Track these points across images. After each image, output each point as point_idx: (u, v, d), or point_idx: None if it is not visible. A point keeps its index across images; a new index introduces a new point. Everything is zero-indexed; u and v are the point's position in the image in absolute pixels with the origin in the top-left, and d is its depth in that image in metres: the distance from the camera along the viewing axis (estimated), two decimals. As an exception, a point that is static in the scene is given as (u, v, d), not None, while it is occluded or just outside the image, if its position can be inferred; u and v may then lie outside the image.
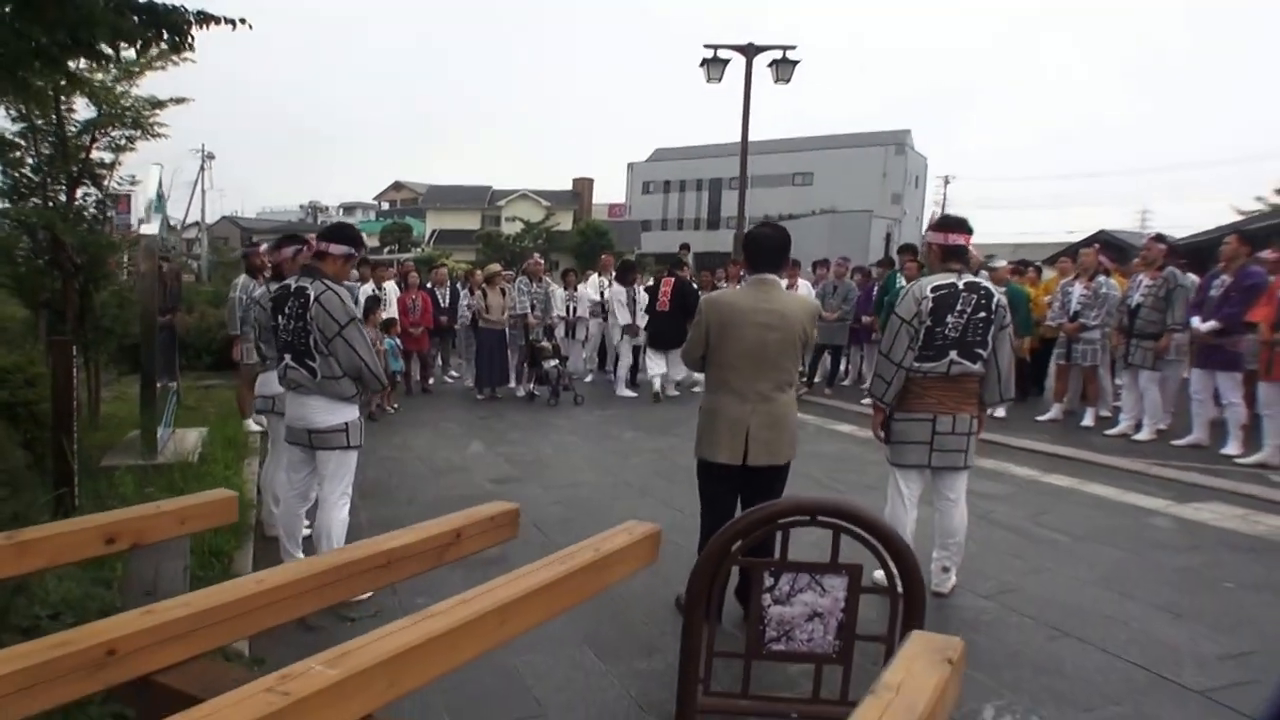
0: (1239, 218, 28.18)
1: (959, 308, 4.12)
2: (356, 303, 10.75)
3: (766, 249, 3.94)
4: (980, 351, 4.16)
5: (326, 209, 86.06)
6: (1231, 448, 7.37)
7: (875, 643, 2.87)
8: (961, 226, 4.33)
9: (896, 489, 4.36)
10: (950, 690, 1.67)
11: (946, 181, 59.04)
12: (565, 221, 50.56)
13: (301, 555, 4.44)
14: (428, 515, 6.16)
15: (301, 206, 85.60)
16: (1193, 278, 8.40)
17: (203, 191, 50.11)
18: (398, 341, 10.85)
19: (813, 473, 7.14)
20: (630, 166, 64.29)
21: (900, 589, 2.73)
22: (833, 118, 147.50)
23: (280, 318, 4.28)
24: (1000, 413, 9.47)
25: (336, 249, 4.24)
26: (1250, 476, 6.70)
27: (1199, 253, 11.28)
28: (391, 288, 11.89)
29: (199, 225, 49.74)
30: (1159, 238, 8.63)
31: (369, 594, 3.77)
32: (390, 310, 11.26)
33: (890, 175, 53.57)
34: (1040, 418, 9.39)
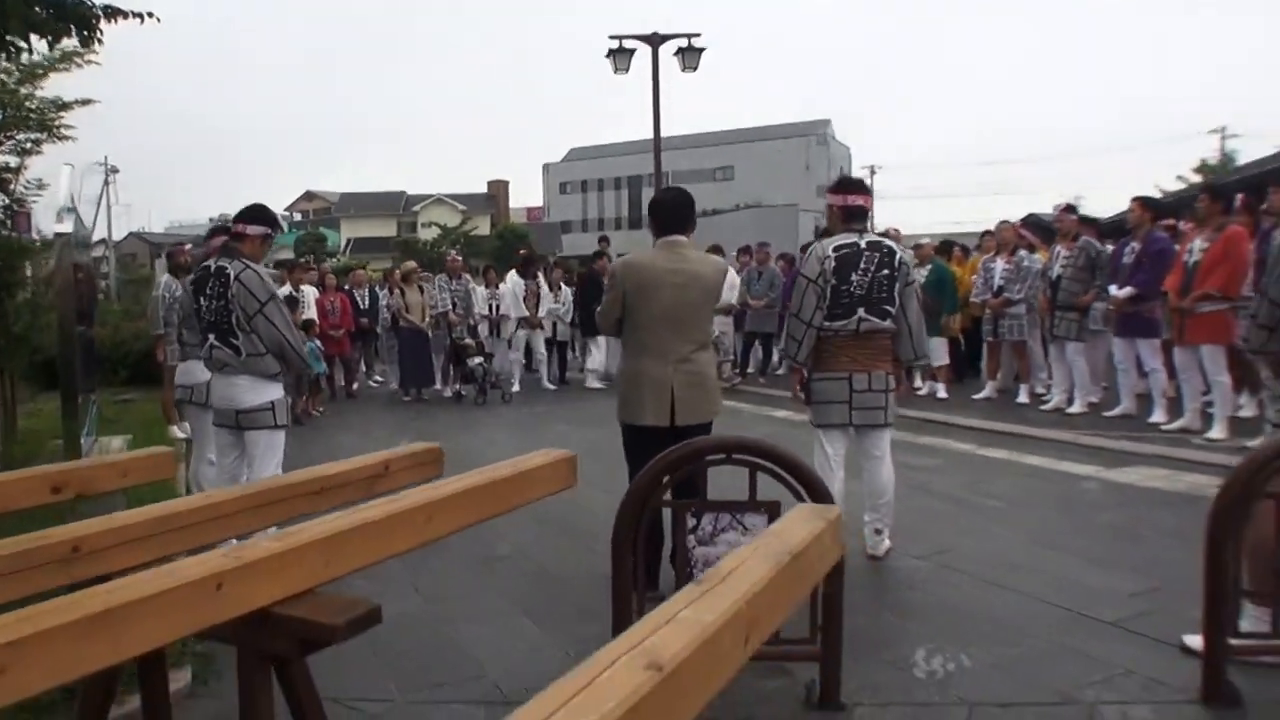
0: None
1: (862, 266, 4.43)
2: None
3: (671, 210, 4.23)
4: (888, 308, 4.47)
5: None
6: (1157, 415, 7.86)
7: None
8: (859, 187, 4.71)
9: (822, 450, 4.61)
10: (826, 540, 2.12)
11: (873, 172, 60.67)
12: (483, 226, 50.70)
13: (235, 541, 4.60)
14: None
15: (211, 219, 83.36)
16: (1110, 247, 8.99)
17: (108, 206, 48.77)
18: (318, 344, 10.99)
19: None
20: (546, 168, 64.49)
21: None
22: (755, 111, 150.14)
23: (202, 299, 4.57)
24: (941, 393, 9.98)
25: (253, 229, 4.54)
26: (1175, 441, 7.22)
27: (1121, 230, 12.00)
28: (310, 290, 12.03)
29: (105, 243, 48.23)
30: (1069, 209, 9.14)
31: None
32: (309, 312, 11.39)
33: (813, 167, 54.76)
34: (977, 396, 9.90)
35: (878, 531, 4.65)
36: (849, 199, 4.63)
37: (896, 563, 4.61)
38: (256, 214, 4.61)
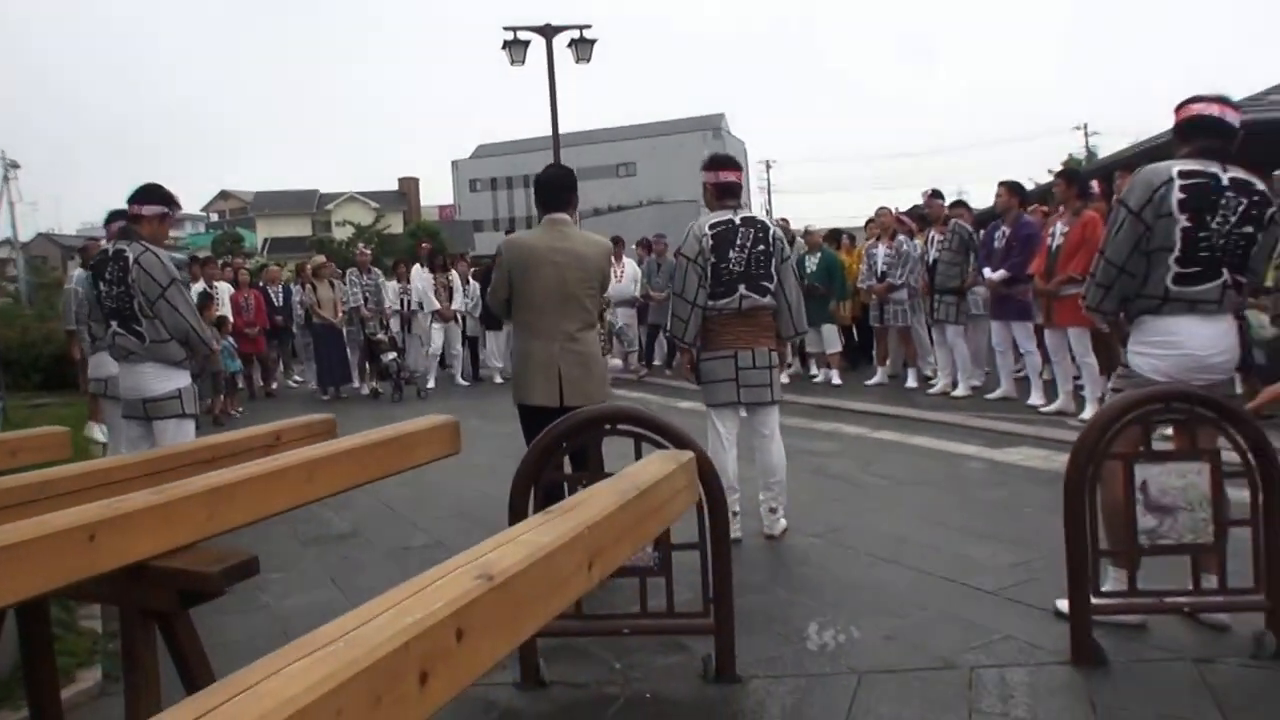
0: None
1: (739, 242, 4.43)
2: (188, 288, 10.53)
3: (552, 189, 4.17)
4: (767, 284, 4.48)
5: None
6: (1035, 397, 8.07)
7: (692, 550, 3.09)
8: (730, 163, 4.72)
9: (714, 429, 4.62)
10: (678, 481, 2.22)
11: (768, 166, 61.63)
12: (396, 224, 50.02)
13: None
14: (269, 525, 6.15)
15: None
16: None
17: (9, 204, 45.54)
18: (233, 341, 10.66)
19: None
20: (455, 164, 63.56)
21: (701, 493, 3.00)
22: (652, 105, 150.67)
23: (102, 284, 4.34)
24: (836, 380, 10.14)
25: (149, 209, 4.30)
26: (1052, 422, 7.47)
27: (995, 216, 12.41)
28: (224, 287, 11.75)
29: (11, 244, 45.08)
30: (935, 194, 9.26)
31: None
32: (223, 309, 11.11)
33: (712, 161, 55.30)
34: (869, 382, 10.08)
35: (772, 510, 4.69)
36: (720, 175, 4.62)
37: (791, 541, 4.67)
38: (151, 193, 4.34)
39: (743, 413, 4.67)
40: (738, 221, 4.48)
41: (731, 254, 4.42)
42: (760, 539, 4.67)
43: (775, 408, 4.66)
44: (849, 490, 5.72)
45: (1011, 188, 8.30)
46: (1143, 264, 3.21)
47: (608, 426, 3.19)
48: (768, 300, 4.51)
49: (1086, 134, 42.43)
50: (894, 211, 10.27)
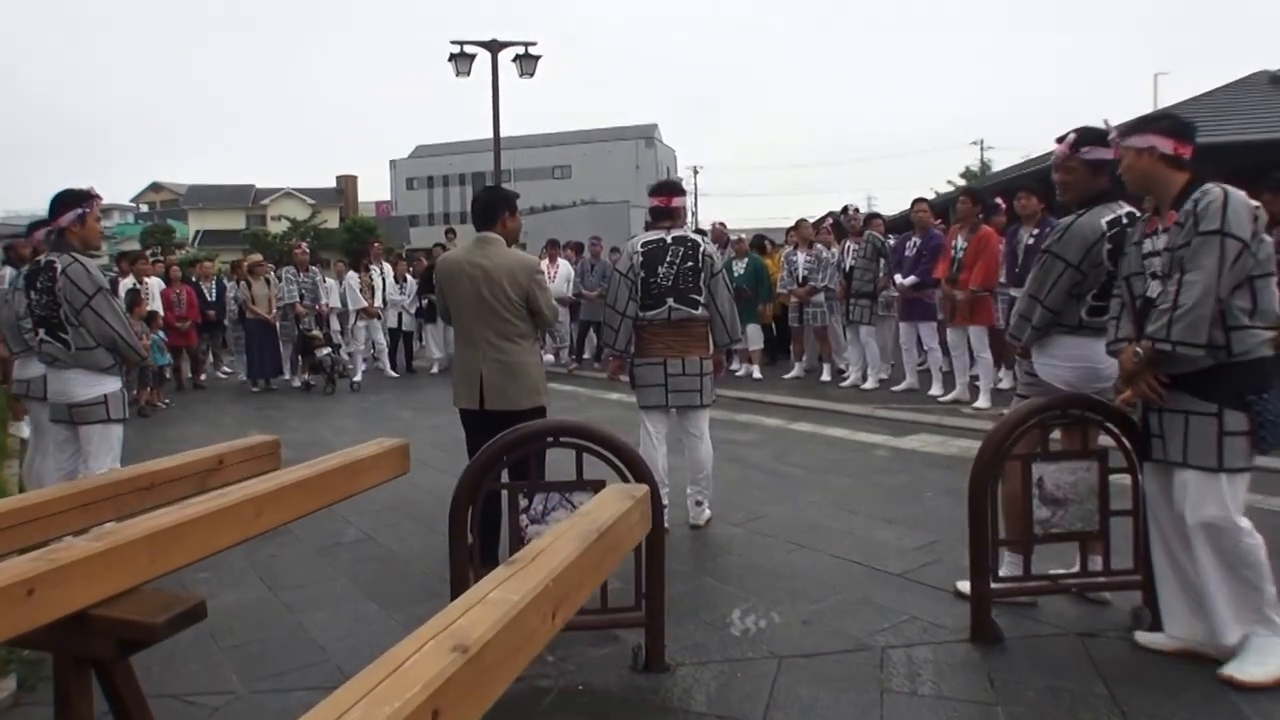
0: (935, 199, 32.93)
1: (668, 259, 4.53)
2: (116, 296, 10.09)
3: (478, 210, 4.21)
4: (696, 298, 4.54)
5: (79, 213, 77.24)
6: (935, 389, 8.42)
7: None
8: (675, 190, 4.84)
9: (645, 429, 4.67)
10: (633, 518, 2.16)
11: (695, 172, 62.10)
12: (332, 219, 48.78)
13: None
14: None
15: (50, 211, 76.20)
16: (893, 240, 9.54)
17: None
18: (163, 335, 10.25)
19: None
20: (393, 164, 62.38)
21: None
22: (588, 114, 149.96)
23: (33, 293, 4.17)
24: (757, 374, 10.26)
25: (65, 218, 4.10)
26: (949, 411, 7.72)
27: (906, 225, 12.77)
28: (155, 282, 11.26)
29: None
30: (852, 209, 9.85)
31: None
32: (153, 304, 10.68)
33: (643, 167, 55.40)
34: (786, 376, 10.24)
35: (698, 503, 4.73)
36: (658, 200, 4.76)
37: (715, 530, 4.69)
38: (61, 201, 4.12)
39: (673, 412, 4.70)
40: (669, 240, 4.58)
41: (660, 269, 4.51)
42: (686, 529, 4.69)
43: (705, 410, 4.70)
44: (767, 479, 5.78)
45: (930, 205, 8.76)
46: (1067, 302, 3.33)
47: (550, 439, 3.16)
48: (698, 312, 4.56)
49: (982, 149, 44.41)
50: (809, 223, 10.51)
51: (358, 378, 11.53)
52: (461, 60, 17.27)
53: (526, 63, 17.40)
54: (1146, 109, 12.15)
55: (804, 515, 4.89)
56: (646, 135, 57.06)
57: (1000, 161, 35.11)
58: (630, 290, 4.52)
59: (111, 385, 4.18)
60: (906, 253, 8.43)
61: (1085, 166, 3.33)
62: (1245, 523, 2.77)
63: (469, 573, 2.98)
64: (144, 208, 71.35)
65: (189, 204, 56.24)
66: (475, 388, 4.00)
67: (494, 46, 17.13)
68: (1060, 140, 3.42)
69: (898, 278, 8.39)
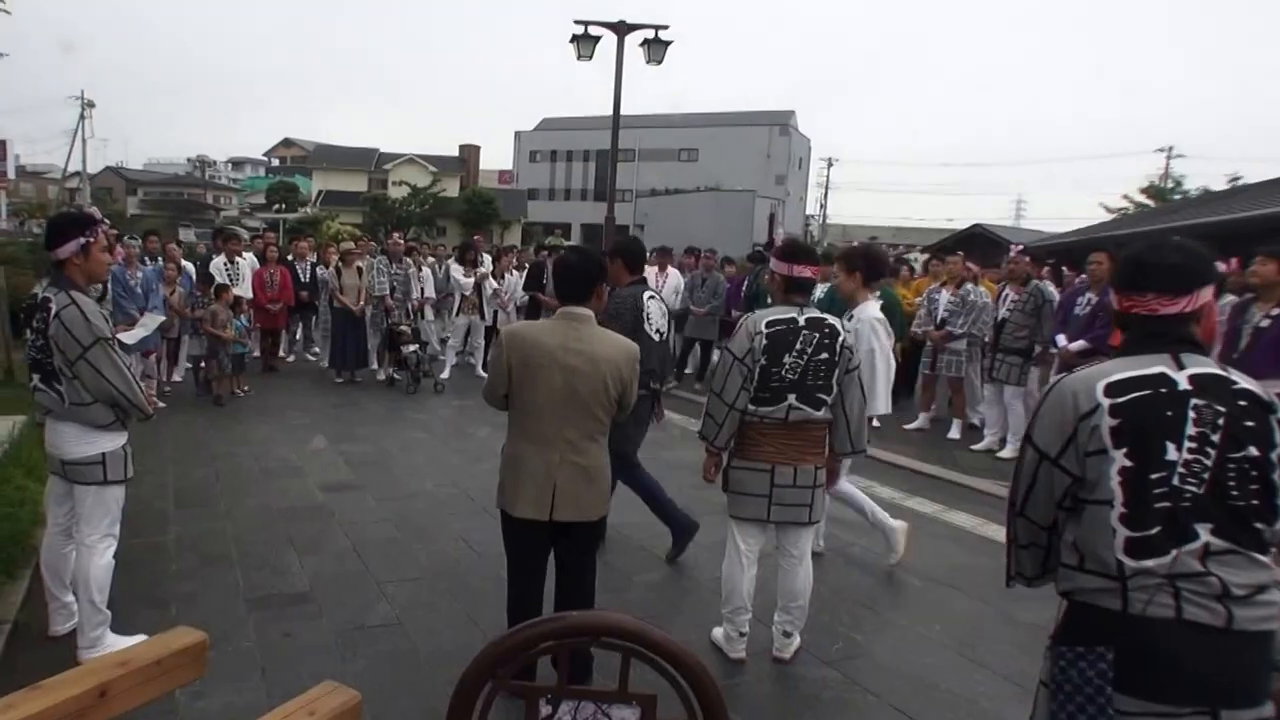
0: (1109, 216, 29.60)
1: (798, 346, 3.71)
2: (206, 278, 10.03)
3: (570, 279, 3.45)
4: (823, 396, 3.75)
5: (214, 163, 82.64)
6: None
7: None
8: (808, 256, 3.92)
9: (734, 543, 3.95)
10: None
11: (830, 164, 60.09)
12: (452, 188, 49.52)
13: (71, 599, 3.90)
14: (244, 530, 5.42)
15: (189, 160, 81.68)
16: (1052, 289, 8.41)
17: (83, 140, 47.54)
18: (245, 322, 10.09)
19: (669, 487, 6.75)
20: (517, 135, 62.94)
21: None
22: (720, 96, 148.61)
23: (30, 332, 3.69)
24: (875, 422, 9.32)
25: (65, 250, 3.60)
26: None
27: (1067, 254, 11.44)
28: (247, 261, 11.21)
29: (80, 175, 47.46)
30: (1025, 251, 8.56)
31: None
32: (245, 284, 10.63)
33: (774, 156, 54.00)
34: (908, 426, 9.30)
35: (786, 635, 3.99)
36: (794, 269, 3.84)
37: (803, 668, 3.94)
38: (61, 230, 3.64)
39: (771, 528, 3.95)
40: (801, 322, 3.75)
41: (787, 358, 3.70)
42: (767, 660, 3.95)
43: (812, 529, 3.98)
44: (873, 589, 4.96)
45: (1113, 257, 7.28)
46: None
47: (590, 639, 2.38)
48: (821, 414, 3.77)
49: (1169, 157, 39.06)
50: (961, 259, 9.40)
51: (444, 375, 11.21)
52: (584, 42, 16.55)
53: (655, 48, 16.55)
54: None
55: (916, 660, 4.07)
56: (781, 122, 55.45)
57: (1195, 176, 30.96)
58: (745, 379, 3.72)
59: (110, 443, 3.70)
60: (1077, 310, 7.33)
61: None
62: None
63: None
64: (274, 161, 74.73)
65: (314, 163, 58.15)
66: (545, 495, 3.33)
67: (621, 29, 16.36)
68: None
69: (1061, 339, 7.32)
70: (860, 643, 4.22)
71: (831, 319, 3.82)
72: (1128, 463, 1.98)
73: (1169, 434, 1.97)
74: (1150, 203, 29.31)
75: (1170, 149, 38.79)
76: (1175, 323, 2.07)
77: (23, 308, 3.89)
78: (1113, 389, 2.02)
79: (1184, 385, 1.99)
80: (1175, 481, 1.95)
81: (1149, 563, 1.94)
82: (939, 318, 8.93)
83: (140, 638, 3.64)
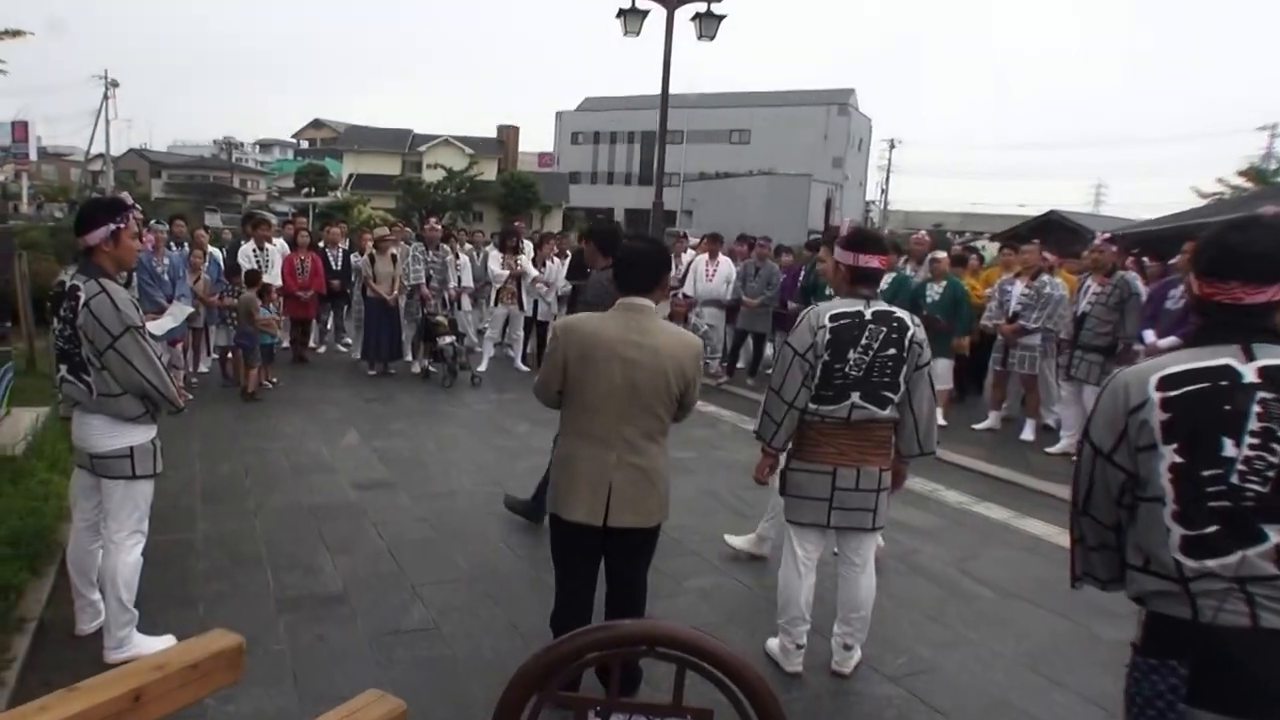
0: (1201, 201, 28.59)
1: (864, 342, 3.63)
2: (234, 266, 10.16)
3: (638, 268, 3.36)
4: (889, 395, 3.67)
5: (241, 145, 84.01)
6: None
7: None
8: (876, 245, 3.81)
9: (791, 550, 3.89)
10: None
11: (892, 145, 59.51)
12: (489, 171, 49.68)
13: (97, 596, 3.96)
14: (274, 528, 5.48)
15: (215, 142, 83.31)
16: (1140, 282, 8.16)
17: (106, 121, 48.63)
18: (273, 310, 10.10)
19: (719, 490, 6.72)
20: (558, 116, 63.09)
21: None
22: (774, 75, 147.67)
23: (57, 321, 3.74)
24: (941, 420, 9.18)
25: (95, 236, 3.63)
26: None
27: (1155, 244, 11.08)
28: (278, 247, 11.27)
29: (103, 157, 48.62)
30: (1111, 239, 8.28)
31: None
32: (274, 271, 10.68)
33: (832, 137, 53.44)
34: (977, 426, 9.14)
35: (847, 647, 3.93)
36: (860, 258, 3.73)
37: (864, 684, 3.87)
38: (91, 217, 3.67)
39: (831, 533, 3.89)
40: (868, 316, 3.66)
41: (851, 354, 3.62)
42: (826, 674, 3.89)
43: (875, 535, 3.90)
44: (941, 600, 4.86)
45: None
46: None
47: (644, 648, 2.35)
48: (887, 413, 3.69)
49: (1273, 135, 37.02)
50: (1038, 248, 9.15)
51: (482, 367, 11.22)
52: (631, 17, 16.42)
53: (707, 23, 16.38)
54: None
55: (986, 678, 3.97)
56: (840, 101, 54.77)
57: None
58: (805, 375, 3.65)
59: (139, 436, 3.74)
60: (1168, 303, 7.13)
61: None
62: None
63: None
64: (304, 143, 75.78)
65: (345, 145, 58.78)
66: (600, 498, 3.27)
67: (671, 2, 16.21)
68: None
69: (1149, 334, 7.11)
70: (926, 658, 4.13)
71: (900, 312, 3.72)
72: (1177, 459, 1.97)
73: (1226, 429, 1.93)
74: (1250, 185, 28.18)
75: (1275, 126, 37.21)
76: (1257, 312, 2.01)
77: (49, 296, 3.93)
78: (1166, 382, 2.00)
79: (1250, 378, 1.94)
80: (1234, 480, 1.93)
81: (1210, 563, 1.93)
82: (1011, 310, 8.74)
83: (168, 638, 3.71)
